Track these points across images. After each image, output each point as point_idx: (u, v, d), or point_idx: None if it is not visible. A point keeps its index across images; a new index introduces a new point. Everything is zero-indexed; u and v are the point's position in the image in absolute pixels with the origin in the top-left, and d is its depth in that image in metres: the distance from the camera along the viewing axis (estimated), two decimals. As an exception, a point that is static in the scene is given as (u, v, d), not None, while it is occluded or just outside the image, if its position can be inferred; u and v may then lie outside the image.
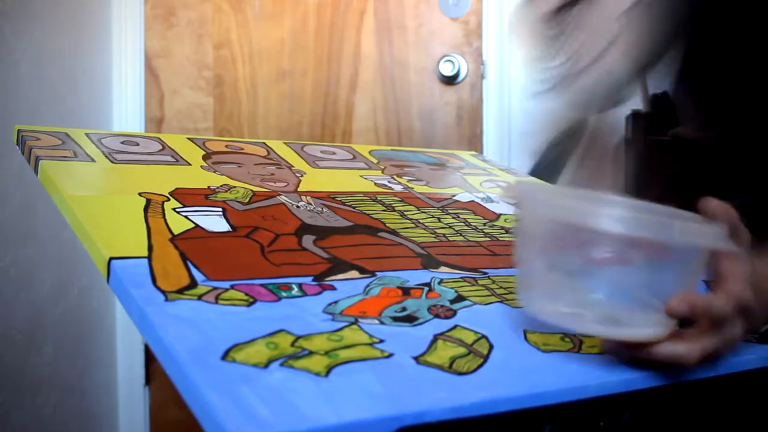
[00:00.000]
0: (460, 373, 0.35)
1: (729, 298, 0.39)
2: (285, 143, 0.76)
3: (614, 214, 0.36)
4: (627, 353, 0.39)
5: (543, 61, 0.74)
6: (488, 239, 0.58)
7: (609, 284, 0.39)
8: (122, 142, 0.65)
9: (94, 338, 1.39)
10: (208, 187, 0.58)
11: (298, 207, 0.57)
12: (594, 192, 0.42)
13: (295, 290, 0.42)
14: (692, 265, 0.40)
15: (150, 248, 0.43)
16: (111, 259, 0.41)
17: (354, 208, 0.60)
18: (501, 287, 0.48)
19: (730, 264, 0.41)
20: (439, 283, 0.47)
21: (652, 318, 0.39)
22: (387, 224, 0.57)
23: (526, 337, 0.41)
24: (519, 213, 0.43)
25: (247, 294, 0.40)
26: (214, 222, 0.50)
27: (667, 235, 0.36)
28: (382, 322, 0.39)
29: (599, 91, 0.75)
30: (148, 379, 1.53)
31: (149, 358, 1.52)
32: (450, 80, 1.51)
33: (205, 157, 0.66)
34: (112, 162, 0.60)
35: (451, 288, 0.46)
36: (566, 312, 0.40)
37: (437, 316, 0.41)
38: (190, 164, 0.63)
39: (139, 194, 0.53)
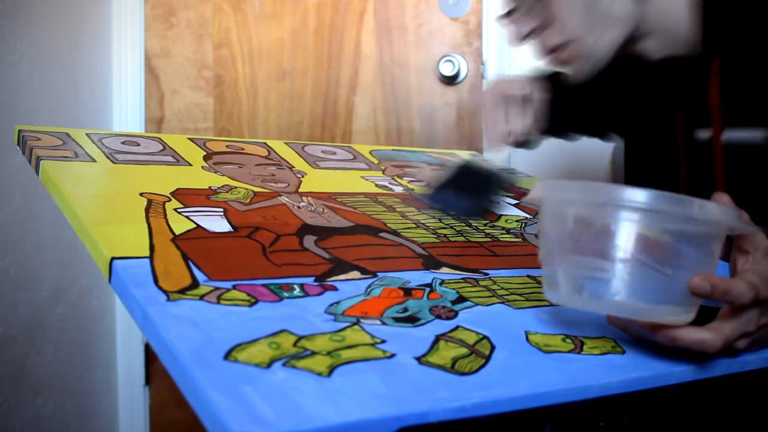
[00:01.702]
0: (462, 374, 0.35)
1: (748, 284, 0.40)
2: (286, 143, 0.76)
3: (637, 191, 0.38)
4: (651, 337, 0.41)
5: (521, 21, 0.73)
6: (489, 240, 0.58)
7: (632, 272, 0.40)
8: (123, 143, 0.65)
9: (94, 338, 1.39)
10: (209, 187, 0.58)
11: (299, 207, 0.57)
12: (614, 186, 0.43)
13: (297, 290, 0.42)
14: (711, 246, 0.41)
15: (152, 248, 0.43)
16: (113, 259, 0.41)
17: (355, 208, 0.60)
18: (502, 288, 0.48)
19: (747, 253, 0.43)
20: (441, 283, 0.47)
21: (675, 304, 0.40)
22: (388, 225, 0.57)
23: (527, 338, 0.41)
24: (542, 212, 0.44)
25: (248, 294, 0.40)
26: (216, 222, 0.50)
27: (687, 209, 0.39)
28: (383, 323, 0.39)
29: (576, 73, 0.74)
30: (148, 379, 1.53)
31: (149, 358, 1.52)
32: (450, 80, 1.51)
33: (205, 158, 0.66)
34: (113, 162, 0.60)
35: (453, 289, 0.46)
36: (591, 298, 0.41)
37: (439, 316, 0.42)
38: (191, 165, 0.63)
39: (141, 194, 0.53)
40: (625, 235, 0.40)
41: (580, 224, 0.42)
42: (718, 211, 0.40)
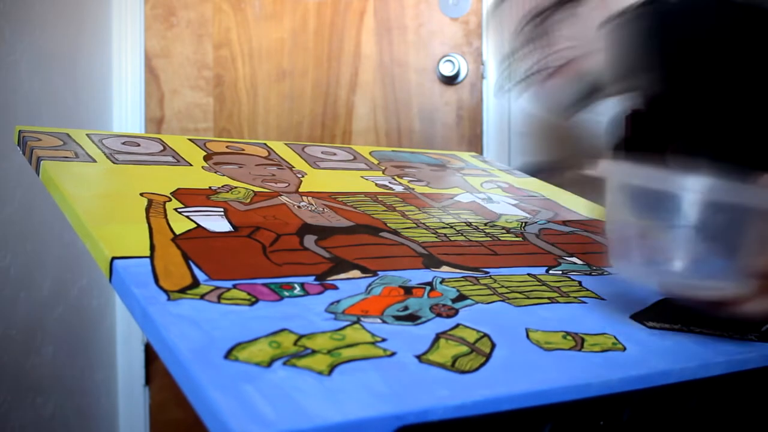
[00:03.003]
0: (463, 372, 0.35)
1: None
2: (286, 144, 0.76)
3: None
4: (713, 310, 0.41)
5: (516, 58, 0.75)
6: (489, 239, 0.58)
7: (691, 248, 0.41)
8: (123, 143, 0.65)
9: (94, 338, 1.39)
10: (210, 187, 0.58)
11: (299, 207, 0.57)
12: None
13: (297, 290, 0.42)
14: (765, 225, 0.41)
15: (152, 248, 0.43)
16: (113, 258, 0.41)
17: (355, 208, 0.60)
18: (502, 286, 0.48)
19: None
20: (441, 282, 0.47)
21: (733, 277, 0.40)
22: (388, 224, 0.57)
23: (528, 336, 0.41)
24: (609, 185, 0.45)
25: (249, 293, 0.40)
26: (216, 222, 0.50)
27: (746, 193, 0.39)
28: (384, 321, 0.39)
29: (567, 96, 0.76)
30: (148, 379, 1.53)
31: (149, 358, 1.52)
32: (450, 80, 1.51)
33: (206, 158, 0.66)
34: (113, 162, 0.60)
35: (453, 287, 0.46)
36: (650, 270, 0.42)
37: (439, 315, 0.42)
38: (191, 165, 0.63)
39: (141, 195, 0.53)
40: (693, 206, 0.40)
41: (648, 197, 0.43)
42: None
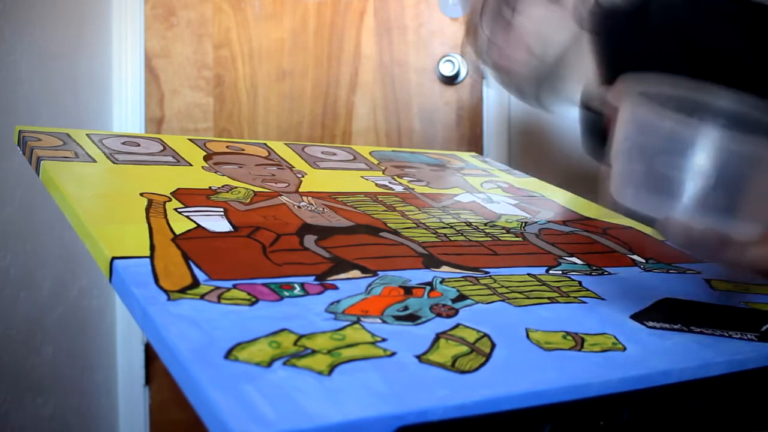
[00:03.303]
0: (463, 372, 0.35)
1: None
2: (286, 144, 0.76)
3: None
4: (716, 252, 0.39)
5: (483, 35, 0.74)
6: (489, 239, 0.58)
7: (701, 187, 0.40)
8: (123, 143, 0.65)
9: (94, 338, 1.39)
10: (210, 187, 0.58)
11: (299, 207, 0.57)
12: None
13: (297, 290, 0.42)
14: None
15: (152, 248, 0.43)
16: (113, 258, 0.41)
17: (355, 208, 0.60)
18: (503, 286, 0.48)
19: None
20: (441, 282, 0.47)
21: (746, 220, 0.39)
22: (388, 224, 0.57)
23: (528, 336, 0.41)
24: (620, 113, 0.43)
25: (249, 293, 0.40)
26: (216, 222, 0.50)
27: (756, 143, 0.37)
28: (384, 321, 0.39)
29: (522, 86, 0.75)
30: (148, 379, 1.53)
31: (149, 358, 1.52)
32: (450, 80, 1.51)
33: (206, 158, 0.66)
34: (113, 162, 0.60)
35: (453, 287, 0.46)
36: (656, 201, 0.40)
37: (439, 315, 0.42)
38: (191, 165, 0.63)
39: (141, 195, 0.53)
40: (703, 145, 0.39)
41: (656, 125, 0.41)
42: None
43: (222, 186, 0.59)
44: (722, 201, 0.39)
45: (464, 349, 0.38)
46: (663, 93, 0.42)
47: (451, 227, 0.60)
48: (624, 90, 0.43)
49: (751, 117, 0.39)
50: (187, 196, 0.54)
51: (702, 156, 0.39)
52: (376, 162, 0.77)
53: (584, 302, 0.48)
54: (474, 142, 1.51)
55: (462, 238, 0.58)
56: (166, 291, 0.38)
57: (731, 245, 0.39)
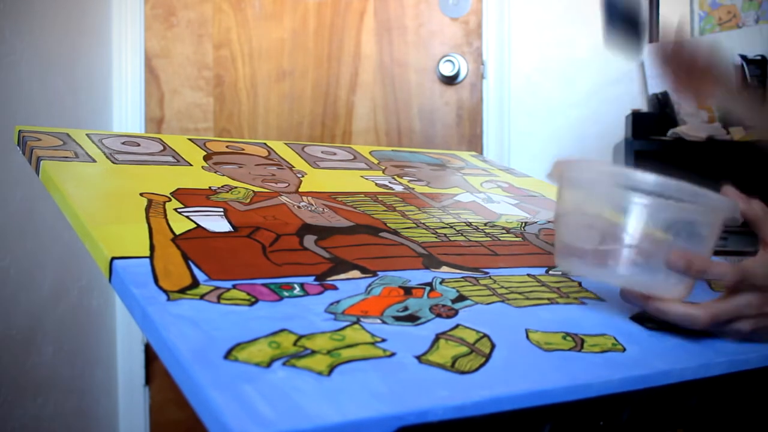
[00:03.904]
0: (462, 372, 0.35)
1: (732, 267, 0.43)
2: (286, 144, 0.76)
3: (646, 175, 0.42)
4: (644, 305, 0.44)
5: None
6: (489, 239, 0.58)
7: (635, 252, 0.44)
8: (123, 143, 0.65)
9: (94, 338, 1.39)
10: (210, 187, 0.58)
11: (299, 207, 0.57)
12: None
13: (297, 290, 0.42)
14: (702, 230, 0.44)
15: (152, 248, 0.43)
16: (113, 258, 0.41)
17: (355, 208, 0.60)
18: (502, 287, 0.48)
19: (755, 256, 0.45)
20: (441, 282, 0.47)
21: (671, 280, 0.44)
22: (388, 224, 0.57)
23: (527, 336, 0.41)
24: (561, 189, 0.48)
25: (249, 294, 0.40)
26: (216, 222, 0.50)
27: (685, 195, 0.42)
28: (384, 322, 0.39)
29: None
30: (148, 379, 1.53)
31: (149, 358, 1.52)
32: (450, 80, 1.51)
33: (206, 158, 0.66)
34: (113, 162, 0.60)
35: (453, 288, 0.46)
36: (595, 264, 0.45)
37: (439, 315, 0.42)
38: (191, 165, 0.63)
39: (141, 194, 0.53)
40: (632, 220, 0.44)
41: (590, 201, 0.47)
42: (714, 198, 0.44)
43: (222, 186, 0.59)
44: (646, 265, 0.44)
45: (464, 349, 0.38)
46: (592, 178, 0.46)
47: (451, 227, 0.60)
48: (558, 173, 0.47)
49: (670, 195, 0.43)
50: (187, 196, 0.54)
51: (631, 226, 0.43)
52: (376, 162, 0.77)
53: (584, 303, 0.48)
54: (474, 142, 1.51)
55: (462, 238, 0.58)
56: (165, 291, 0.38)
57: (653, 302, 0.44)
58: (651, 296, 0.44)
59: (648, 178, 0.42)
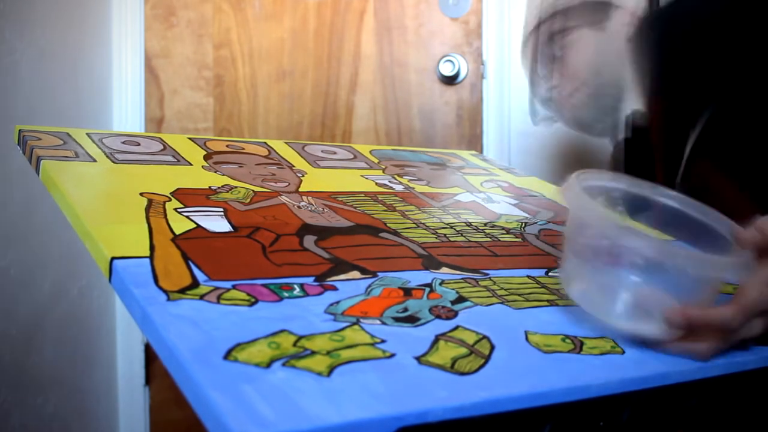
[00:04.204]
0: (462, 374, 0.35)
1: (738, 311, 0.42)
2: (286, 143, 0.76)
3: (642, 238, 0.41)
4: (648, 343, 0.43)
5: (541, 81, 0.77)
6: (489, 240, 0.58)
7: (634, 292, 0.44)
8: (123, 142, 0.65)
9: (94, 338, 1.39)
10: (210, 187, 0.58)
11: (299, 207, 0.57)
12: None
13: (297, 290, 0.42)
14: (700, 284, 0.44)
15: (152, 248, 0.43)
16: (113, 258, 0.41)
17: (355, 208, 0.60)
18: (502, 288, 0.48)
19: (751, 278, 0.43)
20: (441, 284, 0.47)
21: (660, 325, 0.43)
22: (388, 224, 0.57)
23: (527, 338, 0.41)
24: (568, 216, 0.48)
25: (248, 294, 0.40)
26: (216, 222, 0.50)
27: (680, 263, 0.41)
28: (383, 323, 0.39)
29: (588, 114, 0.78)
30: (148, 379, 1.53)
31: (149, 358, 1.52)
32: (450, 80, 1.51)
33: (206, 157, 0.66)
34: (113, 162, 0.60)
35: (453, 289, 0.46)
36: (598, 302, 0.45)
37: (439, 316, 0.42)
38: (191, 164, 0.63)
39: (141, 194, 0.53)
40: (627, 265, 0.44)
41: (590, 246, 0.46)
42: (709, 263, 0.43)
43: (222, 186, 0.59)
44: (653, 302, 0.44)
45: (463, 350, 0.38)
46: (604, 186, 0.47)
47: (451, 227, 0.60)
48: (568, 188, 0.47)
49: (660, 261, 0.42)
50: (187, 196, 0.54)
51: (634, 263, 0.43)
52: (376, 161, 0.77)
53: (584, 303, 0.48)
54: (474, 142, 1.51)
55: (462, 238, 0.58)
56: (165, 291, 0.38)
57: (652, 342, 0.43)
58: (652, 340, 0.43)
59: (646, 250, 0.41)
